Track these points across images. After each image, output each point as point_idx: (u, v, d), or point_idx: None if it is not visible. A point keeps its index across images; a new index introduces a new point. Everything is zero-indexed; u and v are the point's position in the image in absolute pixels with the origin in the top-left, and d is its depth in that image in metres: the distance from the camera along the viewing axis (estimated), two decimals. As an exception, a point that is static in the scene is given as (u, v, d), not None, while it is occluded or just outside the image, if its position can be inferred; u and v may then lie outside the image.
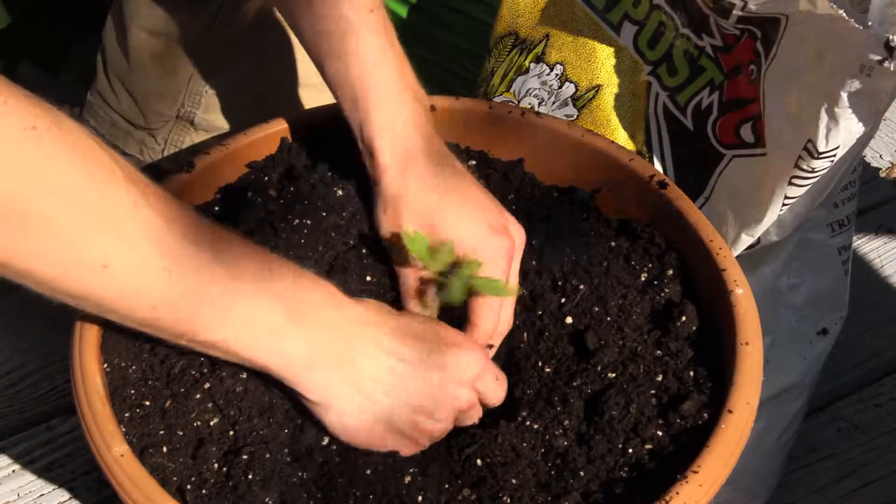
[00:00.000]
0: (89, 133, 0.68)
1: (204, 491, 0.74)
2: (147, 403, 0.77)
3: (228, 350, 0.73)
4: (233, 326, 0.72)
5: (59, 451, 1.10)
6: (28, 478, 1.08)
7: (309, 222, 0.87)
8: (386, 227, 0.84)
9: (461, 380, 0.77)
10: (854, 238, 1.14)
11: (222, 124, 1.14)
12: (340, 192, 0.89)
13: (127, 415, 0.76)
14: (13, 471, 1.09)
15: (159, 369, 0.78)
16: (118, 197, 0.68)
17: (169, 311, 0.70)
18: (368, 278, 0.85)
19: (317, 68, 0.87)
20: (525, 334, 0.84)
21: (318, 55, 0.86)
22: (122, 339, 0.79)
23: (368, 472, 0.75)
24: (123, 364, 0.78)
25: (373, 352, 0.76)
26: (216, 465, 0.75)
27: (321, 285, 0.76)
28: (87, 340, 0.77)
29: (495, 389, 0.79)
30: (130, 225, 0.68)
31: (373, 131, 0.84)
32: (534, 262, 0.88)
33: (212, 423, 0.76)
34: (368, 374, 0.75)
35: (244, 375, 0.78)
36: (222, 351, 0.74)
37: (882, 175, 1.45)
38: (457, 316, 0.83)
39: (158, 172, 1.10)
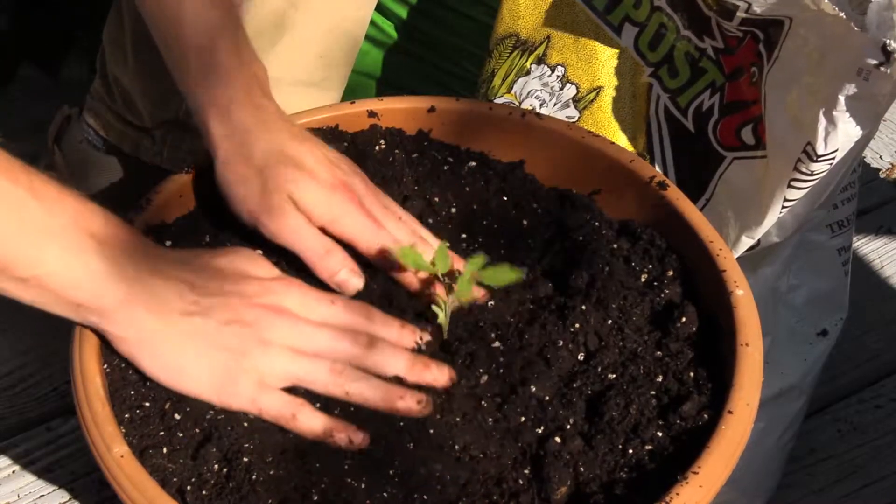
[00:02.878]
0: None
1: (204, 492, 0.73)
2: (147, 404, 0.77)
3: (42, 287, 0.73)
4: (47, 263, 0.73)
5: (59, 453, 1.10)
6: (28, 479, 1.08)
7: None
8: (238, 204, 0.85)
9: (263, 303, 0.77)
10: (854, 239, 1.14)
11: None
12: None
13: (127, 416, 0.76)
14: (13, 471, 1.09)
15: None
16: None
17: None
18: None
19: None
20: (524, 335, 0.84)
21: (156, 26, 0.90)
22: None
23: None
24: (123, 365, 0.78)
25: (177, 287, 0.76)
26: (216, 466, 0.75)
27: (128, 226, 0.77)
28: (88, 342, 0.77)
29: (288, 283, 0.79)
30: None
31: (202, 110, 0.86)
32: (534, 263, 0.88)
33: (212, 424, 0.76)
34: (174, 307, 0.76)
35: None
36: (34, 287, 0.73)
37: (882, 176, 1.45)
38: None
39: (158, 174, 1.10)
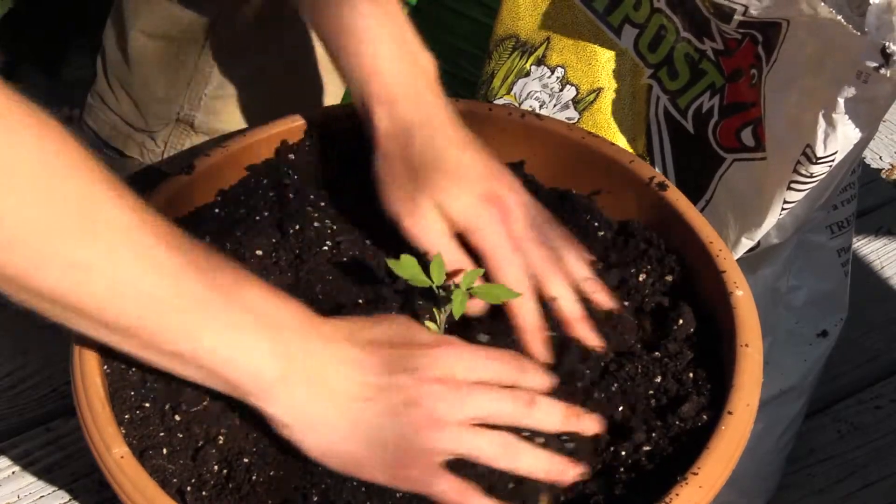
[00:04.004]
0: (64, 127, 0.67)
1: (204, 493, 0.73)
2: (147, 405, 0.77)
3: (198, 363, 0.71)
4: (204, 339, 0.70)
5: (59, 453, 1.10)
6: (28, 479, 1.08)
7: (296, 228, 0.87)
8: (385, 201, 0.84)
9: (432, 377, 0.73)
10: (854, 239, 1.14)
11: (222, 126, 1.14)
12: (323, 206, 0.90)
13: (127, 416, 0.76)
14: (13, 472, 1.08)
15: (159, 371, 0.78)
16: (97, 195, 0.66)
17: (139, 318, 0.68)
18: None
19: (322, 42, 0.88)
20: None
21: (319, 25, 0.87)
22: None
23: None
24: (123, 366, 0.78)
25: (344, 369, 0.73)
26: (216, 467, 0.75)
27: (291, 302, 0.74)
28: (88, 342, 0.77)
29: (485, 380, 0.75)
30: (109, 224, 0.66)
31: (368, 103, 0.84)
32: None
33: (212, 425, 0.76)
34: (340, 389, 0.72)
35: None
36: (191, 363, 0.71)
37: (882, 176, 1.45)
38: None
39: (158, 175, 1.10)
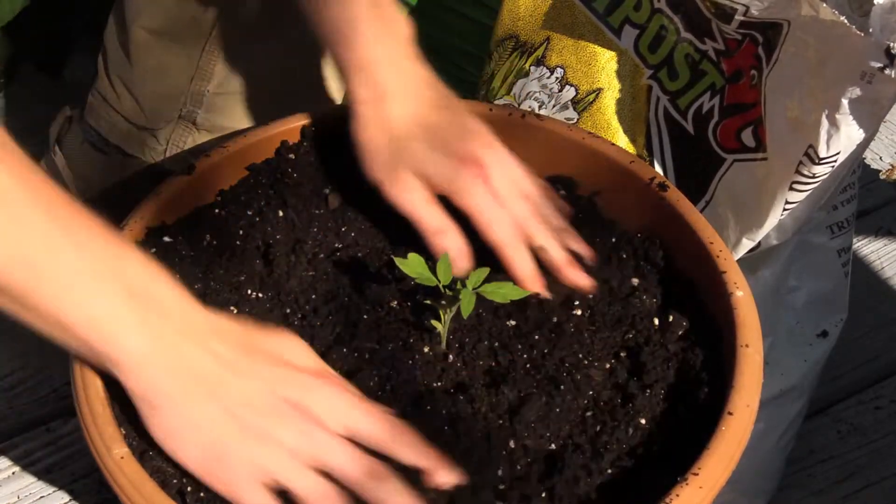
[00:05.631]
0: None
1: (202, 493, 0.73)
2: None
3: (64, 328, 0.71)
4: (74, 306, 0.70)
5: (59, 454, 1.10)
6: (28, 480, 1.08)
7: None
8: (366, 169, 0.86)
9: (294, 401, 0.73)
10: (854, 240, 1.14)
11: (225, 124, 1.14)
12: (323, 206, 0.91)
13: (127, 417, 0.76)
14: (13, 473, 1.09)
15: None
16: None
17: (9, 272, 0.68)
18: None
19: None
20: (522, 336, 0.84)
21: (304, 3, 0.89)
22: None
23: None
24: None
25: (209, 361, 0.73)
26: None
27: (174, 285, 0.74)
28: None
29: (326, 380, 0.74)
30: None
31: (345, 70, 0.87)
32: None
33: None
34: (201, 377, 0.72)
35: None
36: (55, 326, 0.71)
37: (882, 177, 1.45)
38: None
39: (161, 173, 1.10)
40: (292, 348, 0.77)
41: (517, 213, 0.85)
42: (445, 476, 0.72)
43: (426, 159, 0.85)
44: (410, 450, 0.73)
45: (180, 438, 0.73)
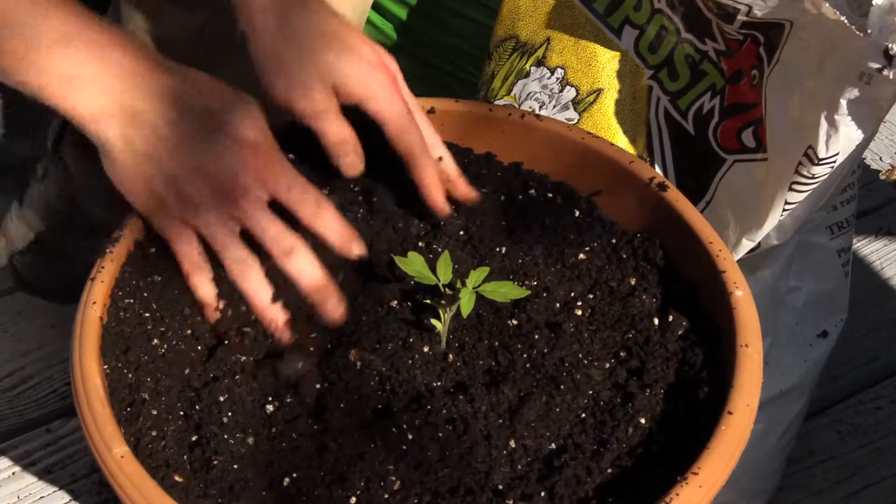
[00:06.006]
0: None
1: (203, 493, 0.73)
2: (147, 405, 0.77)
3: (40, 86, 0.77)
4: (48, 63, 0.77)
5: (59, 454, 1.10)
6: (28, 480, 1.08)
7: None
8: (270, 84, 0.86)
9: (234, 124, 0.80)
10: (854, 240, 1.14)
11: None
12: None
13: (127, 417, 0.76)
14: (13, 473, 1.09)
15: (159, 371, 0.78)
16: None
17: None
18: None
19: None
20: (522, 336, 0.84)
21: None
22: (122, 340, 0.79)
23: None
24: (120, 365, 0.78)
25: (158, 108, 0.79)
26: (217, 468, 0.75)
27: (138, 50, 0.81)
28: (87, 342, 0.77)
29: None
30: None
31: None
32: (534, 266, 0.88)
33: (213, 425, 0.76)
34: (149, 130, 0.79)
35: (244, 378, 0.78)
36: (33, 83, 0.78)
37: (882, 177, 1.45)
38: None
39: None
40: (244, 119, 0.81)
41: (422, 126, 0.88)
42: (357, 250, 0.83)
43: (337, 63, 0.85)
44: (328, 226, 0.82)
45: (129, 186, 0.81)
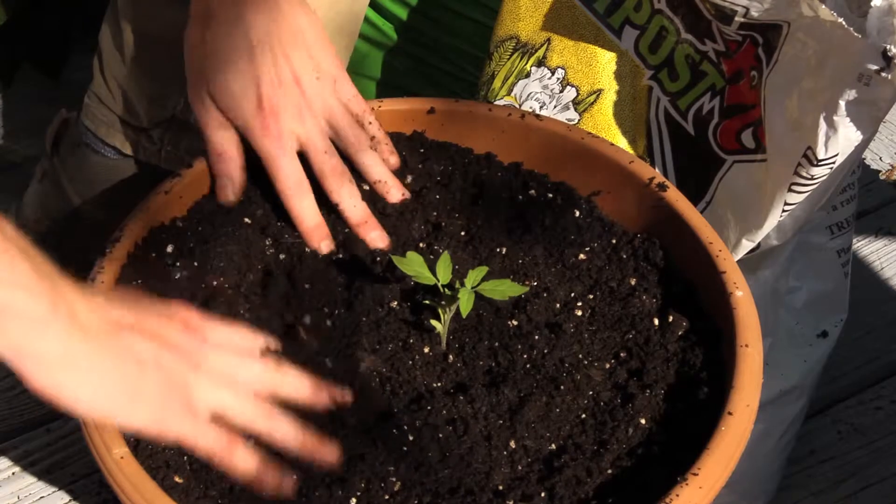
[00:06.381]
0: None
1: (203, 493, 0.74)
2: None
3: None
4: None
5: (59, 454, 1.10)
6: (28, 480, 1.08)
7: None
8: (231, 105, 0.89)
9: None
10: (854, 240, 1.14)
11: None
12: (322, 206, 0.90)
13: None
14: (13, 473, 1.09)
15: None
16: None
17: None
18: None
19: None
20: (522, 336, 0.84)
21: None
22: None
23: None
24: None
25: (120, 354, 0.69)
26: (217, 468, 0.75)
27: (78, 286, 0.69)
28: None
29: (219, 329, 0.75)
30: None
31: None
32: (534, 266, 0.88)
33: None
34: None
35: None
36: None
37: (882, 177, 1.45)
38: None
39: (156, 174, 1.10)
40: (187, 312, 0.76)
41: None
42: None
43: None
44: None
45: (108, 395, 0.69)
